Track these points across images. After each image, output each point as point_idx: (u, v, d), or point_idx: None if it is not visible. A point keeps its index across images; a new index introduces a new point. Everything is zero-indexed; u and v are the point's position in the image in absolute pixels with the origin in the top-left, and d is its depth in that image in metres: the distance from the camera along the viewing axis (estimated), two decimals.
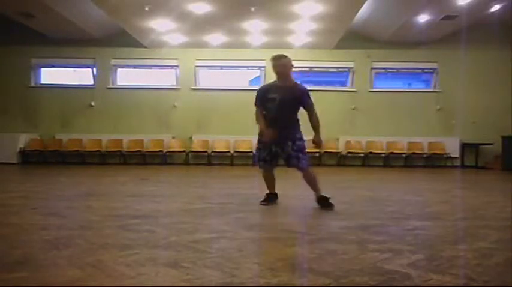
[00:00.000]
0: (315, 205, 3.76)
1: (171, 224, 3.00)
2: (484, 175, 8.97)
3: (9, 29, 10.97)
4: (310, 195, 3.85)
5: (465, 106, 11.07)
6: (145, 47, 11.56)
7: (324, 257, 2.11)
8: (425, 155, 11.25)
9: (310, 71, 12.12)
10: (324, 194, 3.77)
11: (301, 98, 3.85)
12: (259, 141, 3.98)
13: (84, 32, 10.86)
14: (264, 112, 3.88)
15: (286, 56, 3.96)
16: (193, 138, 11.51)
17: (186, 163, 11.40)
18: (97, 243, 2.39)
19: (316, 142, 3.87)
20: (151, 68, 12.25)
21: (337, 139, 11.18)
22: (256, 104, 3.96)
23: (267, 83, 4.20)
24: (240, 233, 2.69)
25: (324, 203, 3.71)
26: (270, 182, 4.06)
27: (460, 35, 10.47)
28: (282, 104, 3.78)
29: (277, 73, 3.91)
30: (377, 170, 9.77)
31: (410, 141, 11.33)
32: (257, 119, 3.95)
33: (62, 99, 11.77)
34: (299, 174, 3.89)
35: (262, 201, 3.99)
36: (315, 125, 3.85)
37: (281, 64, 3.88)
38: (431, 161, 11.27)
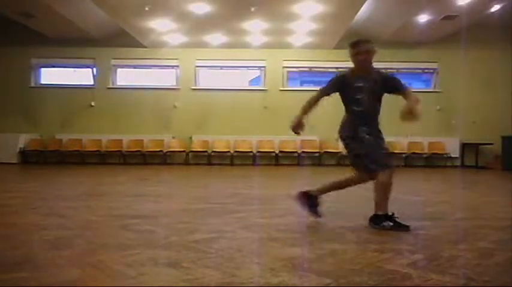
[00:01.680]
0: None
1: (171, 224, 3.00)
2: (484, 175, 8.96)
3: (9, 29, 10.99)
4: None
5: (465, 106, 11.08)
6: (145, 47, 11.56)
7: (324, 257, 2.11)
8: (425, 155, 11.25)
9: (310, 71, 12.13)
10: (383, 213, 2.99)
11: (394, 83, 3.22)
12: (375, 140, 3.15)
13: (84, 32, 10.86)
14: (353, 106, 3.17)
15: (369, 41, 3.26)
16: (193, 138, 11.51)
17: (186, 163, 11.40)
18: (97, 243, 2.39)
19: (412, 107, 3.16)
20: (151, 68, 12.25)
21: (337, 139, 11.17)
22: (323, 91, 3.19)
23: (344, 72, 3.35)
24: (240, 233, 2.69)
25: (377, 222, 2.94)
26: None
27: (460, 35, 10.47)
28: (371, 95, 3.15)
29: (362, 61, 3.16)
30: None
31: (410, 141, 11.33)
32: (308, 106, 3.19)
33: (62, 99, 11.77)
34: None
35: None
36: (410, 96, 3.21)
37: (370, 50, 3.19)
38: (431, 161, 11.27)
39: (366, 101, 3.14)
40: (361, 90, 3.13)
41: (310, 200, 3.27)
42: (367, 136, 3.14)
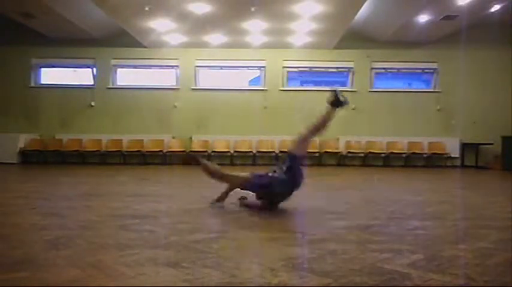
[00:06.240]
0: (314, 204, 3.73)
1: (171, 224, 3.00)
2: (484, 175, 8.96)
3: (9, 29, 10.99)
4: (309, 195, 3.83)
5: (465, 106, 11.09)
6: (145, 47, 11.56)
7: (324, 257, 2.11)
8: (425, 155, 11.25)
9: (310, 71, 12.13)
10: None
11: None
12: None
13: (84, 32, 10.86)
14: None
15: None
16: (193, 138, 11.51)
17: (186, 163, 11.40)
18: (97, 243, 2.39)
19: None
20: (151, 68, 12.25)
21: (337, 139, 11.19)
22: None
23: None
24: (240, 233, 2.69)
25: None
26: None
27: (460, 35, 10.47)
28: None
29: None
30: (377, 170, 9.76)
31: (410, 141, 11.34)
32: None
33: (62, 99, 11.78)
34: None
35: None
36: None
37: None
38: (431, 161, 11.27)
39: None
40: None
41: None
42: None
